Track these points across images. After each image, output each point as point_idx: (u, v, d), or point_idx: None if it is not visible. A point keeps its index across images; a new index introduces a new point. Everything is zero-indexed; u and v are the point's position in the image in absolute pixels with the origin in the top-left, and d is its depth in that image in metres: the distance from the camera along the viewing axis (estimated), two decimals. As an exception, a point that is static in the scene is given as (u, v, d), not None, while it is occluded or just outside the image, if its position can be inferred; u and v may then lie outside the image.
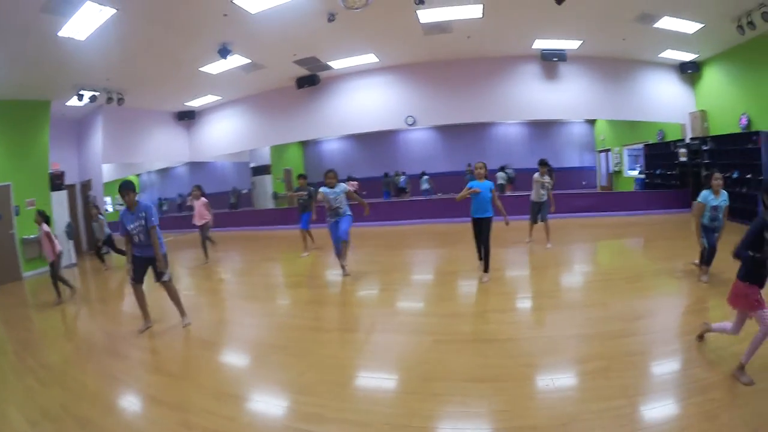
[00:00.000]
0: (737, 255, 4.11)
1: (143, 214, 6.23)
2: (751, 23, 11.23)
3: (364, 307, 7.32)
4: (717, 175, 7.08)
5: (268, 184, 21.91)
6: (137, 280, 6.48)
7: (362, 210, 8.96)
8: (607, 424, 3.47)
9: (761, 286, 4.02)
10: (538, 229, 11.09)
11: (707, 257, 7.30)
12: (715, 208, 7.05)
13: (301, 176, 12.00)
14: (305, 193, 11.53)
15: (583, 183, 24.77)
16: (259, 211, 20.89)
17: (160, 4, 9.23)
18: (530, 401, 3.96)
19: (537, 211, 10.90)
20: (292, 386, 4.40)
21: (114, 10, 8.94)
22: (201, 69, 13.76)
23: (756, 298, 3.96)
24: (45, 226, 8.74)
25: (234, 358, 5.47)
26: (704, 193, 7.19)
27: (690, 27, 12.42)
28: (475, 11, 11.40)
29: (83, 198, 16.84)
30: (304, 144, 25.62)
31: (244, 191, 23.18)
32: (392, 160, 25.08)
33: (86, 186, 16.87)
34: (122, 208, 6.43)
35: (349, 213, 8.55)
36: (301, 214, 11.70)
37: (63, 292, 9.03)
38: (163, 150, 19.29)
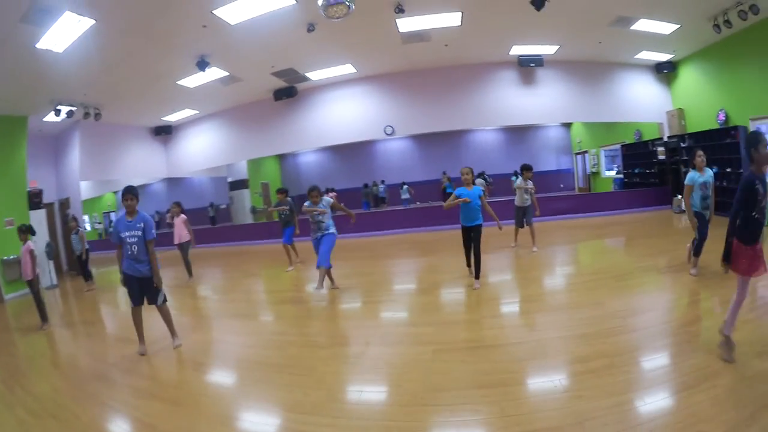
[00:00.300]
0: (733, 216, 4.28)
1: (141, 225, 6.04)
2: (727, 22, 11.49)
3: (358, 320, 7.21)
4: (699, 152, 7.32)
5: (246, 198, 21.71)
6: (137, 302, 6.20)
7: (348, 220, 8.83)
8: (622, 418, 3.53)
9: (747, 245, 4.22)
10: (523, 233, 11.15)
11: (697, 247, 7.40)
12: (703, 185, 7.21)
13: (280, 190, 11.82)
14: (286, 207, 11.40)
15: (561, 186, 25.05)
16: (238, 226, 20.65)
17: (139, 15, 9.10)
18: (542, 403, 3.95)
19: (522, 216, 10.94)
20: (299, 407, 4.25)
21: (93, 21, 8.81)
22: (178, 82, 13.60)
23: (753, 259, 4.17)
24: (30, 243, 8.45)
25: (233, 380, 5.24)
26: (690, 174, 7.34)
27: (666, 28, 12.68)
28: (454, 19, 11.50)
29: (62, 217, 16.48)
30: (281, 157, 25.45)
31: (222, 206, 23.02)
32: (370, 170, 25.14)
33: (65, 204, 16.50)
34: (120, 213, 6.22)
35: (333, 231, 8.18)
36: (284, 228, 11.52)
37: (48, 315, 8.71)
38: (140, 166, 18.91)
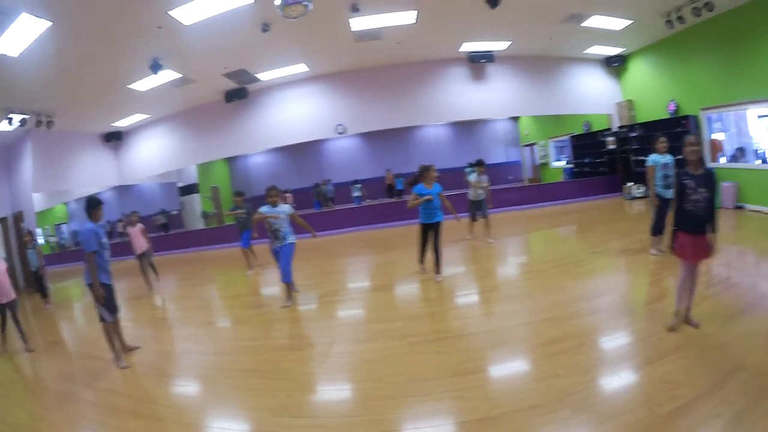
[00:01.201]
0: (675, 207, 4.80)
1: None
2: (680, 18, 12.00)
3: (326, 320, 7.15)
4: (661, 138, 7.79)
5: (196, 203, 21.39)
6: (116, 312, 6.13)
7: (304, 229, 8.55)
8: (599, 391, 3.77)
9: (681, 232, 4.69)
10: (477, 226, 11.39)
11: (655, 227, 7.93)
12: (664, 166, 7.70)
13: (237, 194, 11.70)
14: (243, 211, 11.22)
15: (509, 177, 25.46)
16: (192, 232, 20.12)
17: (97, 16, 8.83)
18: (521, 384, 4.10)
19: (476, 209, 11.15)
20: (285, 410, 4.24)
21: (49, 23, 8.54)
22: (130, 86, 13.24)
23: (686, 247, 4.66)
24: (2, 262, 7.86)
25: (212, 390, 5.07)
26: (652, 156, 7.88)
27: (618, 24, 13.09)
28: (409, 17, 11.58)
29: (16, 231, 15.97)
30: (231, 160, 25.20)
31: (174, 212, 22.67)
32: (320, 169, 25.18)
33: (18, 218, 15.76)
34: (91, 224, 5.97)
35: (292, 240, 7.78)
36: (241, 232, 11.35)
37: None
38: (91, 175, 18.20)
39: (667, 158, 7.73)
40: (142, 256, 11.10)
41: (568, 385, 3.88)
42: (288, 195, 22.58)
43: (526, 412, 3.61)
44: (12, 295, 7.78)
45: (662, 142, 7.79)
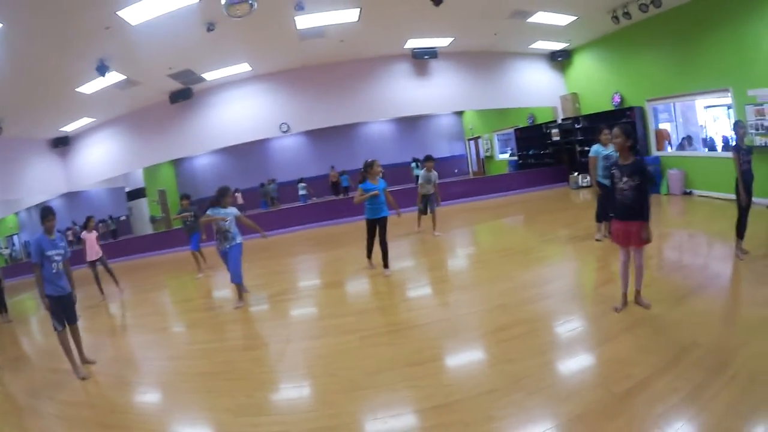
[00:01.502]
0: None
1: (64, 244, 5.97)
2: (627, 14, 12.41)
3: (278, 319, 7.11)
4: (605, 130, 8.01)
5: (144, 207, 20.98)
6: (63, 324, 5.93)
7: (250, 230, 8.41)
8: (553, 373, 3.87)
9: (614, 219, 5.01)
10: (425, 219, 11.50)
11: (599, 214, 8.26)
12: (606, 157, 7.93)
13: (184, 197, 11.48)
14: (190, 213, 11.07)
15: (455, 171, 25.87)
16: (140, 238, 19.40)
17: (46, 17, 8.58)
18: (476, 370, 4.19)
19: (425, 203, 11.22)
20: (246, 410, 4.19)
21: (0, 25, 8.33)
22: (77, 89, 12.85)
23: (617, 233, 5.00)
24: None
25: (175, 395, 4.95)
26: (594, 147, 8.25)
27: (563, 20, 13.42)
28: (352, 15, 11.60)
29: None
30: (177, 162, 24.81)
31: (122, 218, 22.25)
32: (265, 168, 25.38)
33: None
34: (36, 233, 5.93)
35: (239, 240, 7.75)
36: (189, 235, 11.18)
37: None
38: (40, 182, 17.46)
39: (610, 150, 7.89)
40: (96, 263, 10.76)
41: (522, 369, 3.96)
42: (238, 194, 22.54)
43: (482, 396, 3.66)
44: None
45: (606, 134, 8.01)
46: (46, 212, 5.87)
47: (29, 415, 5.12)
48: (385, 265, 8.12)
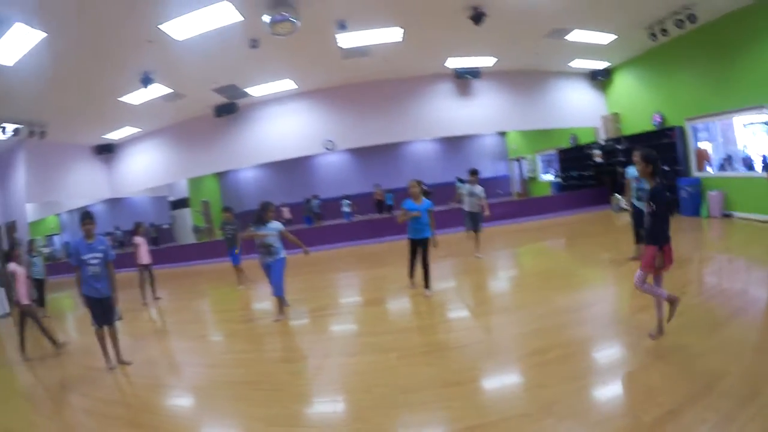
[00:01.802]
0: None
1: (103, 247, 6.23)
2: (663, 30, 12.20)
3: (317, 333, 7.18)
4: (636, 153, 7.89)
5: (187, 217, 21.34)
6: (100, 323, 6.34)
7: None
8: (585, 399, 3.86)
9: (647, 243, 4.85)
10: (469, 239, 11.34)
11: (636, 236, 8.29)
12: (638, 179, 7.85)
13: (225, 209, 11.52)
14: (233, 227, 11.15)
15: (499, 191, 25.59)
16: (182, 247, 20.00)
17: (90, 29, 8.91)
18: (509, 394, 4.20)
19: (471, 220, 10.92)
20: (281, 420, 4.29)
21: (44, 34, 8.62)
22: (121, 99, 13.29)
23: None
24: (11, 264, 7.95)
25: (208, 401, 5.09)
26: (629, 169, 8.25)
27: (603, 38, 13.37)
28: (395, 35, 11.76)
29: (9, 241, 15.81)
30: (221, 174, 25.28)
31: (165, 226, 22.58)
32: (310, 184, 25.35)
33: (11, 228, 15.71)
34: (77, 237, 6.31)
35: (282, 255, 7.84)
36: (229, 248, 11.24)
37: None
38: (83, 186, 18.17)
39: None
40: (146, 267, 11.20)
41: (554, 394, 3.96)
42: (284, 209, 22.93)
43: (513, 420, 3.68)
44: (26, 299, 7.82)
45: (636, 157, 7.94)
46: (84, 217, 6.17)
47: (62, 408, 5.39)
48: (426, 286, 8.06)
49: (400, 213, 8.03)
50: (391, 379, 4.83)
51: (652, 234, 4.71)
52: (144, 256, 11.16)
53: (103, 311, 6.32)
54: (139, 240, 11.16)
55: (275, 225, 7.80)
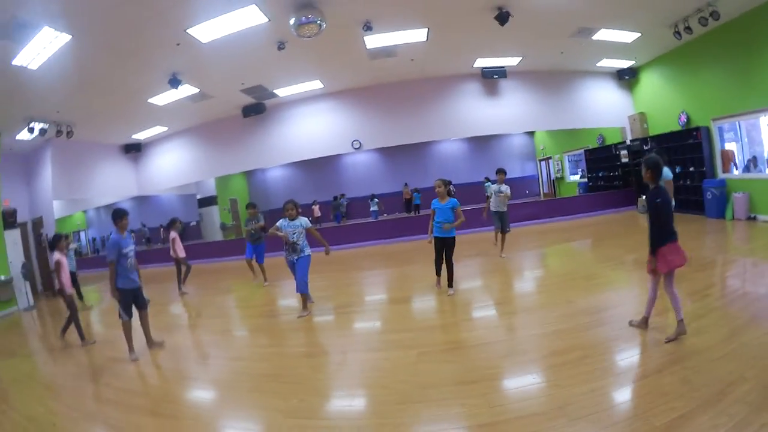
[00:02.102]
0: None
1: (134, 241, 6.75)
2: (688, 28, 12.12)
3: (340, 329, 7.33)
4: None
5: (215, 215, 21.64)
6: (131, 314, 6.70)
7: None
8: (599, 401, 3.84)
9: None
10: (491, 241, 11.36)
11: None
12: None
13: (250, 205, 11.57)
14: (261, 224, 11.21)
15: (527, 192, 25.53)
16: (209, 244, 20.42)
17: (115, 32, 9.16)
18: (524, 393, 4.23)
19: (500, 220, 10.81)
20: (297, 412, 4.40)
21: (69, 37, 8.84)
22: (150, 100, 13.64)
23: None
24: (56, 253, 8.30)
25: (228, 392, 5.21)
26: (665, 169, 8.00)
27: (627, 37, 13.26)
28: (420, 35, 11.84)
29: (35, 236, 16.18)
30: (249, 173, 25.57)
31: (192, 223, 22.83)
32: (338, 183, 25.66)
33: (38, 224, 16.20)
34: (115, 234, 6.56)
35: (308, 252, 7.92)
36: (254, 245, 11.37)
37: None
38: (111, 184, 18.74)
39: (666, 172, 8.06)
40: (183, 260, 11.68)
41: (568, 395, 4.00)
42: (315, 206, 23.45)
43: (526, 419, 3.73)
44: (70, 288, 8.21)
45: None
46: (120, 213, 6.59)
47: (81, 396, 5.61)
48: (449, 285, 8.11)
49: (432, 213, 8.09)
50: (409, 375, 4.92)
51: (650, 239, 5.07)
52: (180, 250, 11.55)
53: (136, 300, 6.75)
54: (174, 235, 11.56)
55: (300, 221, 7.88)
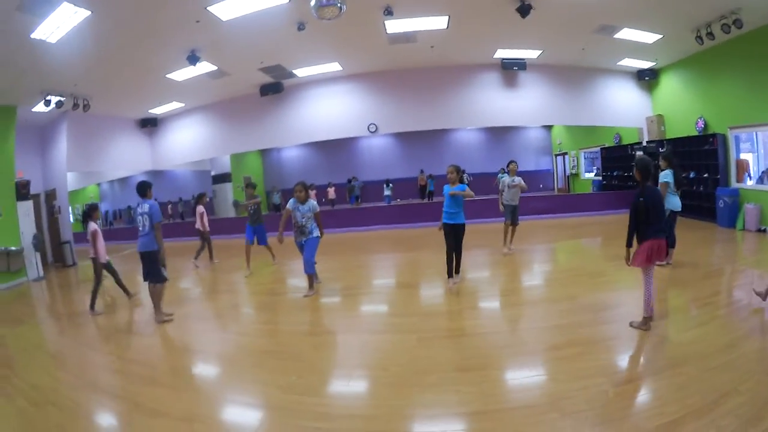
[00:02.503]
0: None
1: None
2: (710, 34, 11.91)
3: (344, 310, 7.42)
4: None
5: (228, 192, 21.71)
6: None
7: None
8: (591, 398, 3.87)
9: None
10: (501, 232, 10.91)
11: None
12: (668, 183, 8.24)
13: (249, 185, 11.53)
14: (257, 200, 11.10)
15: (540, 186, 25.44)
16: (221, 220, 20.31)
17: (135, 8, 9.13)
18: (519, 385, 4.30)
19: (511, 213, 10.45)
20: (294, 389, 4.49)
21: (88, 12, 8.82)
22: (168, 76, 13.65)
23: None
24: (92, 223, 8.49)
25: (230, 365, 5.37)
26: (661, 174, 8.30)
27: (649, 38, 13.06)
28: (441, 22, 11.76)
29: (48, 208, 16.27)
30: (264, 151, 25.71)
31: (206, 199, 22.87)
32: (353, 166, 25.64)
33: (51, 195, 16.29)
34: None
35: (316, 234, 7.96)
36: (254, 227, 11.00)
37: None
38: (125, 158, 18.84)
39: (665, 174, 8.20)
40: (206, 235, 11.96)
41: (563, 390, 4.03)
42: (330, 189, 23.76)
43: (518, 410, 3.78)
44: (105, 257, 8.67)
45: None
46: (149, 184, 7.27)
47: (86, 366, 5.79)
48: (456, 271, 7.96)
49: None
50: (408, 359, 5.00)
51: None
52: (206, 224, 11.88)
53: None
54: (201, 209, 11.90)
55: (310, 205, 7.87)
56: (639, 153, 5.80)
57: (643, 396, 3.91)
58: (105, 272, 8.60)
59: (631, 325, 5.41)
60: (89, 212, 8.59)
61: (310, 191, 9.50)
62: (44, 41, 9.67)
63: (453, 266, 7.87)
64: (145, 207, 6.96)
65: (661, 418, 3.51)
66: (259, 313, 7.81)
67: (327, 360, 5.29)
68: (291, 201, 7.87)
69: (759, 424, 3.38)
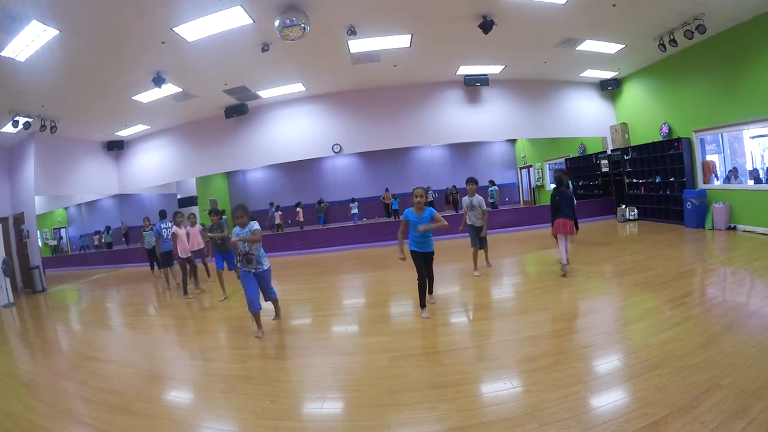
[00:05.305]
0: None
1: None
2: (673, 41, 12.28)
3: (314, 332, 7.23)
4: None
5: (195, 215, 21.54)
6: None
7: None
8: (570, 407, 3.84)
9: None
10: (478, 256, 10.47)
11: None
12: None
13: (213, 212, 10.77)
14: (224, 232, 10.54)
15: (506, 199, 25.67)
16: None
17: (102, 28, 9.09)
18: (494, 398, 4.22)
19: (477, 236, 9.86)
20: (269, 414, 4.39)
21: (57, 32, 8.79)
22: (134, 97, 13.53)
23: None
24: (174, 227, 10.85)
25: (201, 392, 5.22)
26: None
27: (612, 48, 13.42)
28: (404, 41, 11.89)
29: (16, 232, 15.99)
30: (230, 174, 25.70)
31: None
32: (318, 186, 25.89)
33: (19, 219, 15.94)
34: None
35: (267, 265, 7.16)
36: (222, 255, 10.51)
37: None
38: (93, 181, 18.53)
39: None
40: (191, 257, 11.39)
41: (540, 400, 4.00)
42: (299, 210, 23.99)
43: (496, 423, 3.73)
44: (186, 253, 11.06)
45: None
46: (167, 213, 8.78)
47: (58, 394, 5.56)
48: (430, 292, 7.68)
49: (401, 226, 7.34)
50: (381, 379, 4.91)
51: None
52: (194, 243, 11.53)
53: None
54: (191, 229, 11.53)
55: (250, 227, 6.92)
56: (556, 169, 8.06)
57: (624, 400, 3.90)
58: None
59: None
60: (173, 218, 10.98)
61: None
62: (13, 59, 9.60)
63: (425, 295, 7.43)
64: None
65: (644, 419, 3.53)
66: (228, 336, 7.60)
67: (299, 384, 5.15)
68: (235, 228, 7.00)
69: (744, 416, 3.42)
